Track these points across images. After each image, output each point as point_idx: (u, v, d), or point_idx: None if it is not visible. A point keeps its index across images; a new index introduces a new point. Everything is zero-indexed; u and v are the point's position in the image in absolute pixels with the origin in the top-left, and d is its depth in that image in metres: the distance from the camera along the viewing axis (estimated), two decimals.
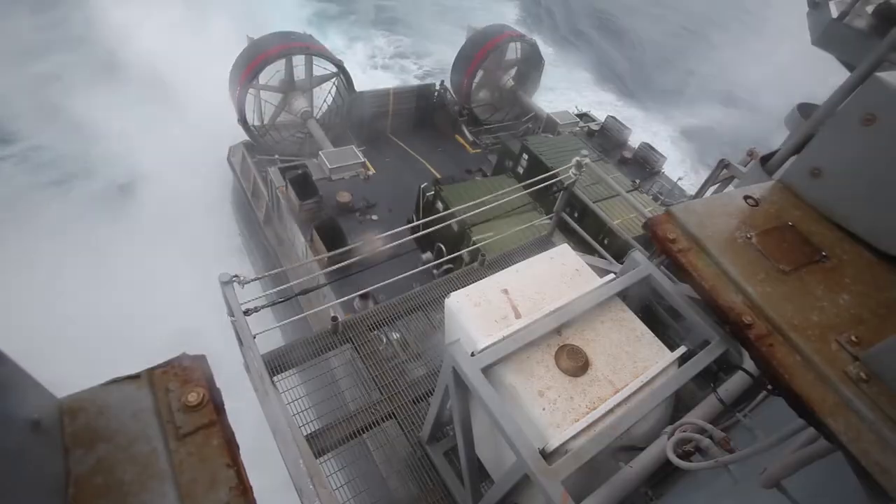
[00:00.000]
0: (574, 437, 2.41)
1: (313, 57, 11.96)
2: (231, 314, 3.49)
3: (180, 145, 15.29)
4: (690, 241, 1.33)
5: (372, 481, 4.23)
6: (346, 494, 4.09)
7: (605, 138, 16.14)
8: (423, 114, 15.82)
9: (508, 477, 2.63)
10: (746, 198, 1.47)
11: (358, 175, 11.53)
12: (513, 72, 16.15)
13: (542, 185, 5.55)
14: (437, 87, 15.91)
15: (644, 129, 24.84)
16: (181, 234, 13.66)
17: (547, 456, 2.36)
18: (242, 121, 11.86)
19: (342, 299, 5.79)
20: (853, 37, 4.22)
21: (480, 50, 14.59)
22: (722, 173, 6.44)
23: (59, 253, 13.40)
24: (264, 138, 12.51)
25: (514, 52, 15.66)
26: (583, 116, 16.82)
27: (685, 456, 2.23)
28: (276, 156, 12.49)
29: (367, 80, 22.02)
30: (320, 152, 11.34)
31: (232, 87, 11.74)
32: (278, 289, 4.49)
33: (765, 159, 4.01)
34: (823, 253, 1.37)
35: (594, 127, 16.34)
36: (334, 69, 12.31)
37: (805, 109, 4.44)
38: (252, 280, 3.61)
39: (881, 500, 0.99)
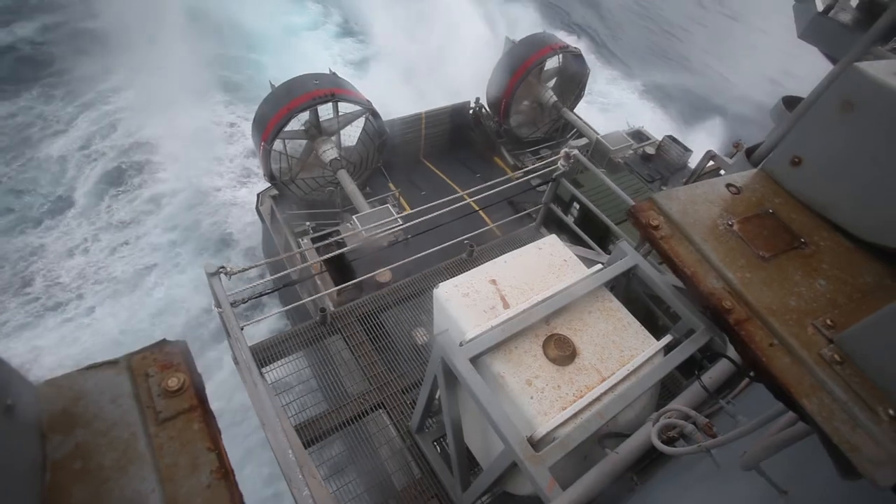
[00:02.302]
0: (561, 425, 2.44)
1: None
2: (218, 305, 3.47)
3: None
4: (673, 228, 1.35)
5: (362, 470, 4.25)
6: (335, 484, 4.11)
7: (663, 162, 13.87)
8: (457, 134, 14.50)
9: (497, 465, 2.66)
10: (728, 185, 1.49)
11: (396, 238, 9.96)
12: (552, 83, 14.60)
13: (532, 176, 5.58)
14: (473, 105, 14.54)
15: (618, 86, 24.40)
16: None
17: (535, 443, 2.39)
18: (269, 176, 10.90)
19: (334, 288, 5.78)
20: (838, 30, 4.26)
21: (521, 66, 13.03)
22: (708, 165, 6.51)
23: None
24: (290, 188, 11.45)
25: (554, 61, 13.97)
26: (635, 134, 14.60)
27: (669, 442, 2.27)
28: (308, 223, 11.22)
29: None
30: (354, 217, 10.04)
31: (256, 140, 10.74)
32: (268, 278, 4.45)
33: (750, 151, 4.06)
34: (802, 240, 1.40)
35: (649, 150, 14.09)
36: (361, 108, 11.17)
37: (790, 102, 4.50)
38: (239, 271, 3.58)
39: (852, 477, 1.02)
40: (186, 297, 12.70)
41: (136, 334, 11.80)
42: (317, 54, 20.94)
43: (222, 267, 3.61)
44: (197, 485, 0.78)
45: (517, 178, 5.57)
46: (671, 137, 14.13)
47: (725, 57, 29.29)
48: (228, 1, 21.22)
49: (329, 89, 10.55)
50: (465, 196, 5.57)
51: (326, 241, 9.51)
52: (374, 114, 11.20)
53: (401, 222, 9.14)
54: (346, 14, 24.92)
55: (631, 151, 13.75)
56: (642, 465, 2.90)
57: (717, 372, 3.29)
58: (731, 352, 3.02)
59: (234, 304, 3.65)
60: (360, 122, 11.55)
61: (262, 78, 18.67)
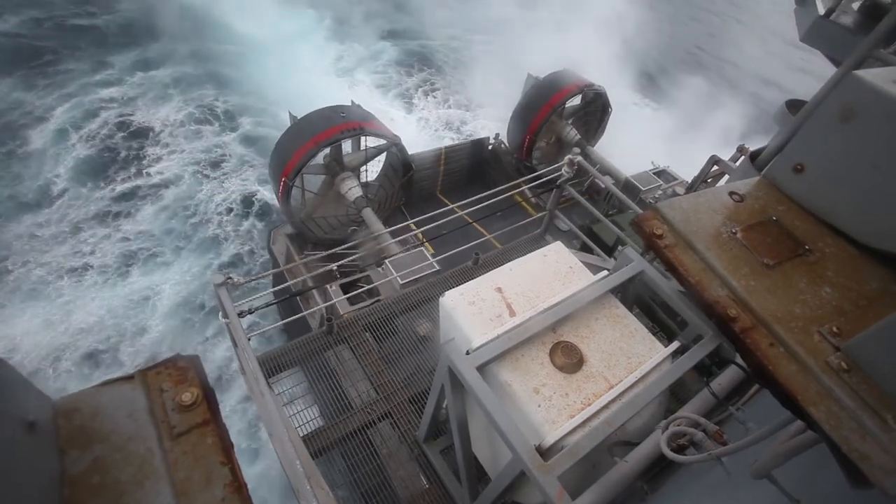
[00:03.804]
0: (569, 434, 2.43)
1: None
2: (225, 316, 3.49)
3: None
4: (677, 237, 1.36)
5: (370, 480, 4.24)
6: (343, 494, 4.10)
7: None
8: (475, 168, 14.21)
9: (505, 474, 2.65)
10: (732, 193, 1.49)
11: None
12: (572, 120, 14.01)
13: (535, 182, 5.62)
14: (492, 141, 14.25)
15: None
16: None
17: (543, 452, 2.38)
18: (287, 213, 10.23)
19: (344, 296, 5.79)
20: (840, 34, 4.27)
21: (546, 104, 12.65)
22: (713, 169, 6.51)
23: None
24: (308, 226, 10.69)
25: (577, 98, 13.46)
26: (661, 174, 13.95)
27: (679, 450, 2.25)
28: (335, 267, 10.18)
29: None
30: (387, 261, 9.01)
31: (275, 175, 9.96)
32: (274, 289, 4.48)
33: (754, 155, 4.06)
34: (807, 247, 1.40)
35: (679, 190, 13.38)
36: (388, 142, 10.44)
37: (793, 105, 4.50)
38: (246, 282, 3.61)
39: (862, 486, 1.01)
40: (168, 291, 12.65)
41: (115, 328, 11.84)
42: (313, 60, 21.10)
43: (229, 277, 3.64)
44: (211, 499, 0.79)
45: (521, 188, 5.53)
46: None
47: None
48: (222, 3, 21.54)
49: (356, 122, 9.79)
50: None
51: (353, 282, 8.64)
52: (401, 148, 10.56)
53: (437, 267, 8.43)
54: (340, 19, 24.97)
55: (660, 192, 13.09)
56: (652, 473, 2.88)
57: (726, 378, 3.26)
58: (740, 358, 3.00)
59: (240, 315, 3.67)
60: (382, 157, 11.05)
61: (261, 76, 18.73)
